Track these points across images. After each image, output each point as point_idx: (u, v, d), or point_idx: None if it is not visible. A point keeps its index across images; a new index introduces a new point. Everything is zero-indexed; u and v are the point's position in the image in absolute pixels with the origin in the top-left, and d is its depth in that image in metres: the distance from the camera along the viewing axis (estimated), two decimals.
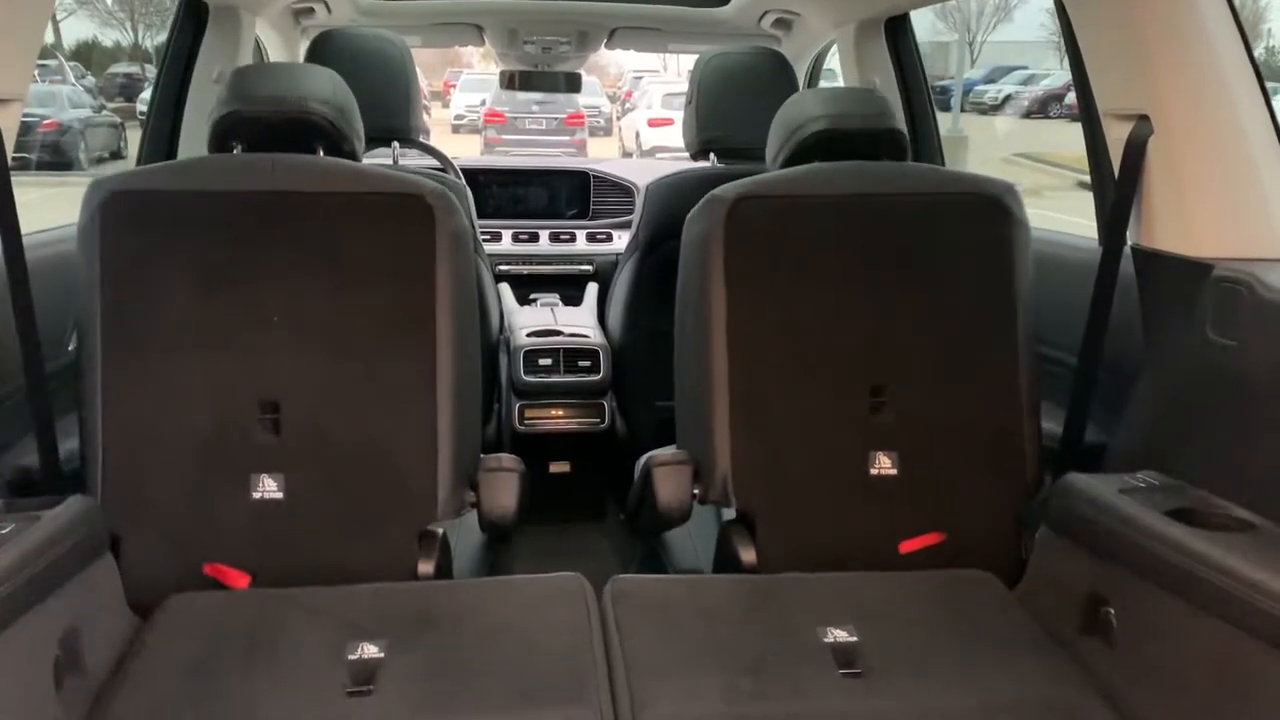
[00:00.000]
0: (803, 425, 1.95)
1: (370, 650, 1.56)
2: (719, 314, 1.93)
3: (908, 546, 1.91)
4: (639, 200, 3.16)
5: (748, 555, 1.94)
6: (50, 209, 2.88)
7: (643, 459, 2.20)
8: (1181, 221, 1.82)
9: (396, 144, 2.91)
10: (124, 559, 1.77)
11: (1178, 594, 1.44)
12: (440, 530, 1.93)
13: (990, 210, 2.02)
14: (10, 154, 1.78)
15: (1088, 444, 2.05)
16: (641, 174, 3.78)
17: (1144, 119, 1.83)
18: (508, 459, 1.97)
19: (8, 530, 1.43)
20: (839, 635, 1.62)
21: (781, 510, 1.95)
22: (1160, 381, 1.86)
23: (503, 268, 3.60)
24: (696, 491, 1.98)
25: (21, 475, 1.93)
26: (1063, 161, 14.48)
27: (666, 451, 2.05)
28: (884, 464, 1.94)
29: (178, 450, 1.80)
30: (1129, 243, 1.95)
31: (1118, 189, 1.90)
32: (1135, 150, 1.85)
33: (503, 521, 1.96)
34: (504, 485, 1.96)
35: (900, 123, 2.16)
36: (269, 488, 1.82)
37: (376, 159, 3.08)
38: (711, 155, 2.94)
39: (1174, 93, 1.78)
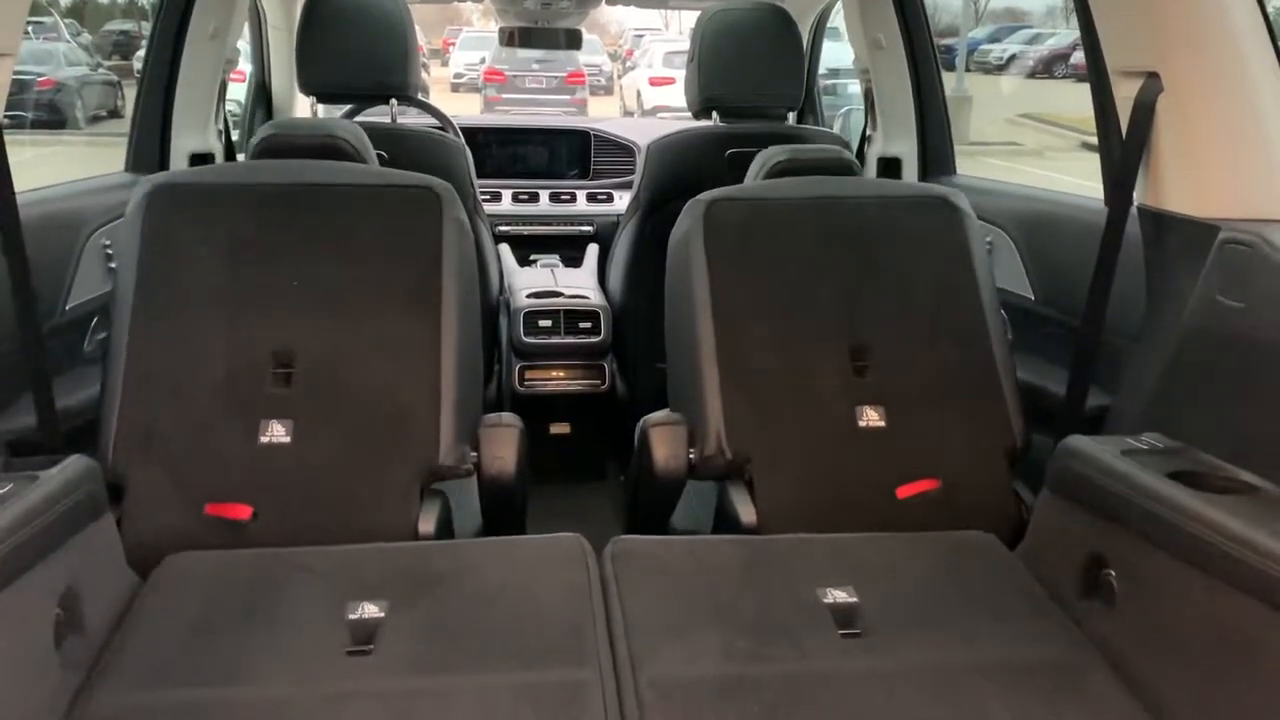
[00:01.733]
0: (789, 385, 2.04)
1: (370, 610, 1.56)
2: (702, 293, 2.06)
3: (905, 491, 1.96)
4: (640, 160, 3.13)
5: (747, 516, 1.94)
6: (46, 168, 2.86)
7: (639, 423, 2.24)
8: (1190, 181, 1.80)
9: (394, 101, 2.88)
10: (128, 503, 1.81)
11: (1179, 556, 1.44)
12: (441, 491, 1.93)
13: (938, 205, 2.22)
14: (3, 110, 1.76)
15: (1090, 407, 2.05)
16: (642, 133, 3.74)
17: (1153, 76, 1.80)
18: (508, 416, 2.05)
19: (6, 490, 1.43)
20: (838, 596, 1.62)
21: (776, 461, 1.99)
22: (1164, 344, 1.85)
23: (502, 228, 3.57)
24: (693, 454, 2.01)
25: (19, 436, 1.93)
26: (1067, 123, 14.36)
27: (661, 414, 2.12)
28: (871, 417, 2.03)
29: (191, 396, 1.89)
30: (1135, 203, 1.93)
31: (1125, 148, 1.87)
32: (1144, 109, 1.82)
33: (502, 477, 1.97)
34: (504, 439, 1.99)
35: (850, 156, 2.42)
36: (277, 432, 1.88)
37: (374, 116, 3.05)
38: (714, 113, 2.91)
39: (1184, 50, 1.75)
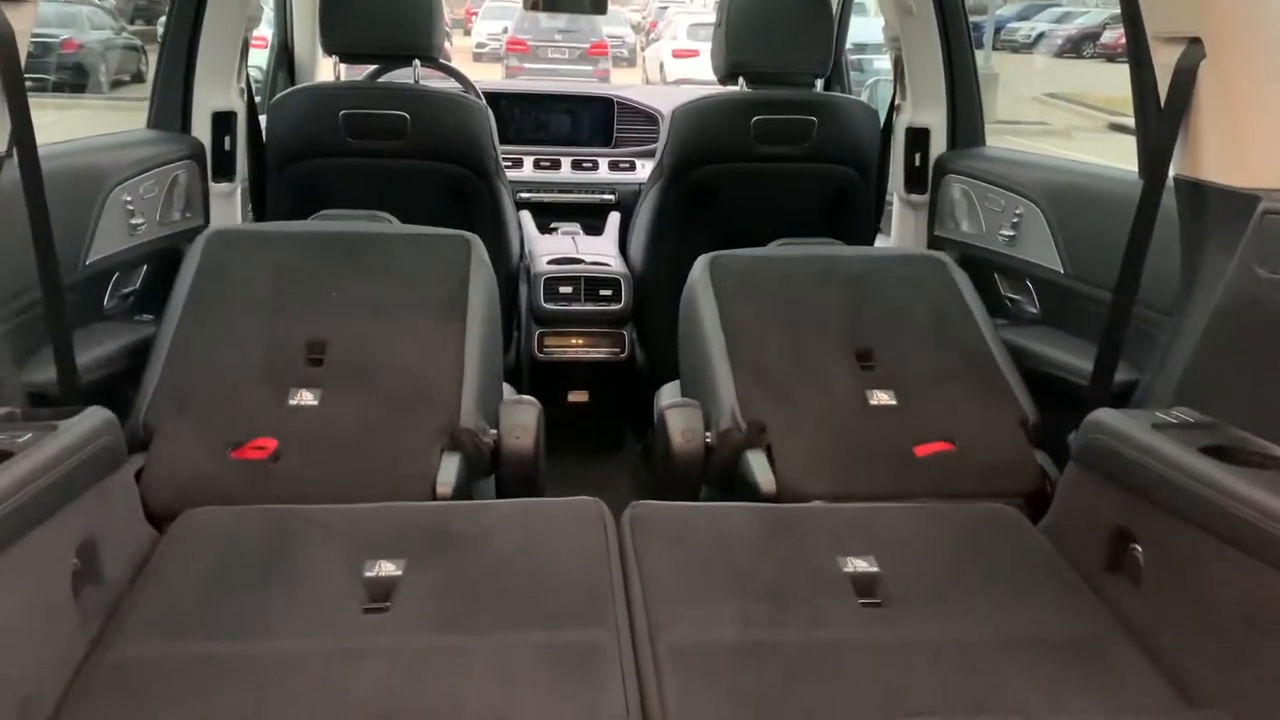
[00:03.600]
0: (799, 373, 2.14)
1: (387, 568, 1.55)
2: (711, 315, 2.25)
3: (923, 450, 1.99)
4: (664, 128, 3.09)
5: (766, 483, 1.92)
6: (67, 128, 2.85)
7: (656, 404, 2.34)
8: (1230, 151, 1.75)
9: (418, 62, 2.85)
10: (153, 450, 1.87)
11: (1209, 531, 1.41)
12: (460, 453, 1.92)
13: (924, 258, 2.52)
14: (25, 60, 1.74)
15: (1118, 381, 2.01)
16: (666, 101, 3.70)
17: (1195, 42, 1.75)
18: (527, 398, 2.15)
19: (25, 439, 1.42)
20: (859, 565, 1.60)
21: (792, 430, 2.01)
22: (1198, 317, 1.81)
23: (523, 195, 3.54)
24: (709, 437, 2.04)
25: (39, 388, 1.93)
26: (1095, 103, 14.18)
27: (677, 399, 2.25)
28: (882, 399, 2.10)
29: (226, 369, 2.03)
30: (1171, 174, 1.89)
31: (1163, 117, 1.83)
32: (1184, 76, 1.77)
33: (521, 452, 1.99)
34: (524, 415, 2.03)
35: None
36: (305, 399, 2.00)
37: (397, 77, 3.02)
38: (740, 80, 2.87)
39: (1228, 14, 1.70)
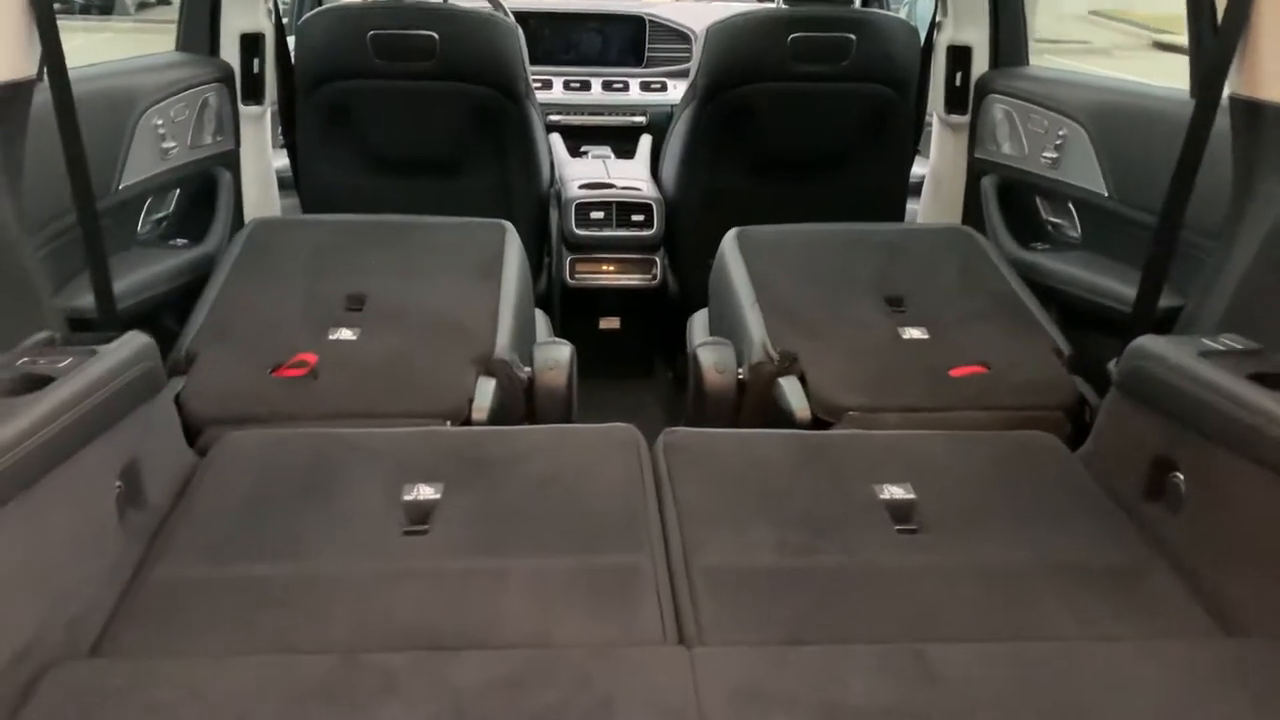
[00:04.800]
0: (830, 313, 2.15)
1: (425, 492, 1.56)
2: (739, 271, 2.30)
3: (957, 372, 1.99)
4: (696, 47, 3.02)
5: (800, 409, 1.91)
6: (98, 53, 2.83)
7: (689, 325, 2.33)
8: None
9: None
10: (195, 371, 1.91)
11: (1255, 460, 1.39)
12: (495, 382, 1.93)
13: (953, 230, 2.56)
14: None
15: (1160, 307, 1.97)
16: (699, 18, 3.60)
17: None
18: (560, 339, 2.20)
19: (66, 363, 1.43)
20: (895, 492, 1.59)
21: (825, 358, 2.01)
22: (1248, 241, 1.76)
23: (553, 118, 3.49)
24: (741, 373, 2.04)
25: (77, 313, 1.94)
26: (1140, 20, 13.76)
27: (707, 336, 2.30)
28: (914, 334, 2.11)
29: (269, 311, 2.10)
30: (1226, 93, 1.82)
31: (1222, 31, 1.76)
32: None
33: (555, 385, 2.00)
34: (557, 350, 2.05)
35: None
36: (344, 335, 2.05)
37: None
38: None
39: None
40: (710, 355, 2.06)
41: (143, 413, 1.57)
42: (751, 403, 2.03)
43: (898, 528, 1.53)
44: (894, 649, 1.25)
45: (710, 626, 1.32)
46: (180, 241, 2.49)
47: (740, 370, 2.05)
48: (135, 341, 1.59)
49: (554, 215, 3.00)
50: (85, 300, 1.93)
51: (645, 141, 3.41)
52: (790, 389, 1.95)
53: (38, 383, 1.37)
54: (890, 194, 3.02)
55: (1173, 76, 2.19)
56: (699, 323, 2.56)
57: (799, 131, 2.88)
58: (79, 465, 1.37)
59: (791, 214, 2.59)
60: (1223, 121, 1.82)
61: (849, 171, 2.96)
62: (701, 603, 1.36)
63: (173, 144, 2.42)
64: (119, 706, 1.15)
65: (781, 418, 1.94)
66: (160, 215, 2.49)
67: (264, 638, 1.29)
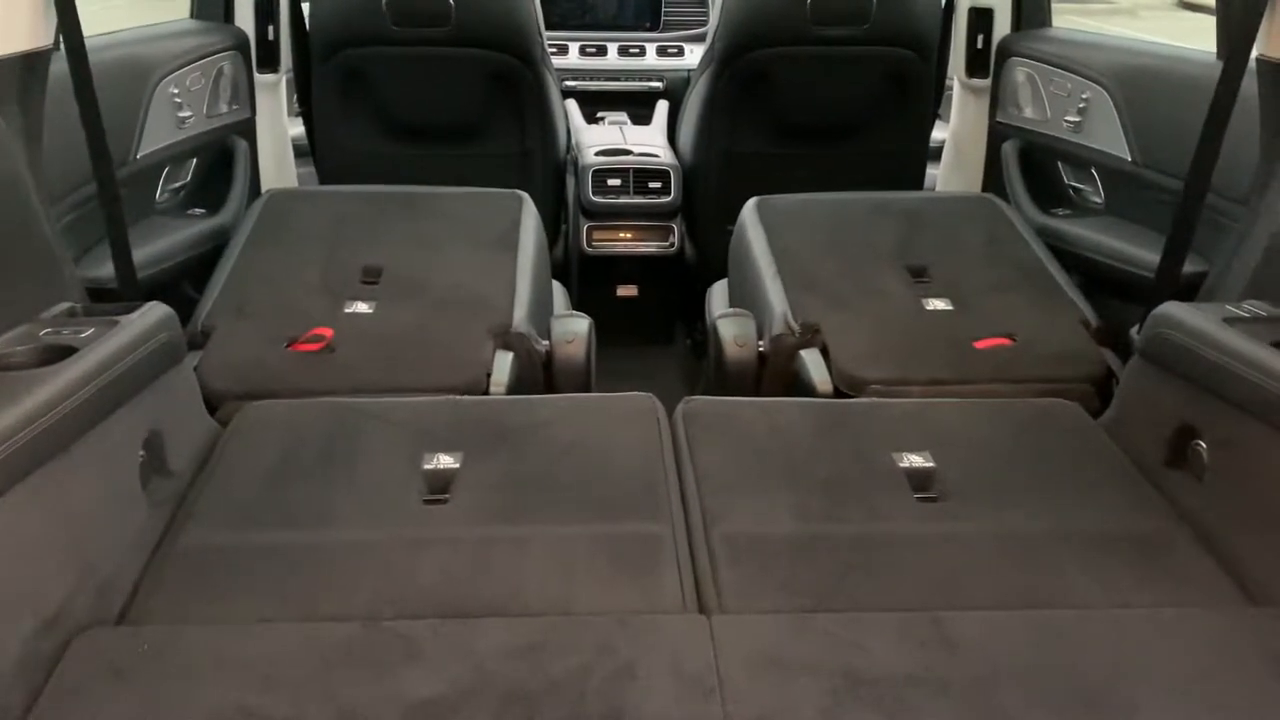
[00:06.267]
0: (852, 284, 2.14)
1: (446, 460, 1.57)
2: (759, 240, 2.29)
3: (982, 344, 1.98)
4: (713, 12, 2.98)
5: (822, 381, 1.90)
6: (116, 18, 2.82)
7: (708, 295, 2.30)
8: None
9: None
10: (212, 344, 1.92)
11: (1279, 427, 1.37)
12: (512, 354, 1.93)
13: (976, 198, 2.56)
14: None
15: (1185, 273, 1.95)
16: None
17: None
18: (578, 313, 2.18)
19: (88, 333, 1.44)
20: (915, 460, 1.59)
21: (847, 329, 1.99)
22: (1277, 207, 1.74)
23: (569, 83, 3.46)
24: (762, 346, 2.03)
25: (97, 282, 1.95)
26: None
27: (727, 307, 2.29)
28: (937, 305, 2.09)
29: (285, 284, 2.11)
30: (1254, 55, 1.79)
31: None
32: None
33: (573, 357, 1.99)
34: (575, 322, 2.04)
35: None
36: (360, 309, 2.05)
37: None
38: None
39: None
40: (730, 328, 2.05)
41: (164, 382, 1.58)
42: (772, 375, 2.02)
43: (918, 496, 1.53)
44: (914, 616, 1.25)
45: (730, 594, 1.32)
46: (198, 210, 2.50)
47: (761, 343, 2.04)
48: (156, 312, 1.59)
49: (570, 182, 2.99)
50: (105, 270, 1.94)
51: (662, 107, 3.38)
52: (812, 361, 1.94)
53: (61, 353, 1.38)
54: (910, 159, 2.99)
55: (1195, 36, 2.15)
56: (718, 293, 2.55)
57: (818, 96, 2.85)
58: (103, 435, 1.38)
59: (810, 179, 2.57)
60: (1250, 84, 1.79)
61: (868, 136, 2.93)
62: (721, 570, 1.36)
63: (189, 113, 2.42)
64: (147, 672, 1.17)
65: (803, 390, 1.93)
66: (178, 185, 2.49)
67: (289, 604, 1.30)
